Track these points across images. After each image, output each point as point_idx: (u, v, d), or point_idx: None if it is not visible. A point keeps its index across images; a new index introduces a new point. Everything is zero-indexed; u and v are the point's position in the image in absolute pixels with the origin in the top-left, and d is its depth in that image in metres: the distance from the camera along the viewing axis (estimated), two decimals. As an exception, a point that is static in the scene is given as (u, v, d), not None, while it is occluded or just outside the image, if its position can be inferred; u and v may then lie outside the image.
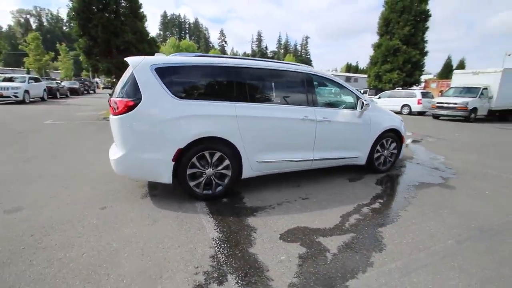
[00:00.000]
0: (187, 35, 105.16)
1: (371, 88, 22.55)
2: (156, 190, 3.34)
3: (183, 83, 3.08)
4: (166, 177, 2.91)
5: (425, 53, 21.38)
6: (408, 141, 4.96)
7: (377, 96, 17.38)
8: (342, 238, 2.41)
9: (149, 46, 11.82)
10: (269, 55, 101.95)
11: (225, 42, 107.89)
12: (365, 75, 27.57)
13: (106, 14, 10.66)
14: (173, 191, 3.27)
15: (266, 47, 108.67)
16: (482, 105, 12.92)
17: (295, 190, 3.52)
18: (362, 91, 19.57)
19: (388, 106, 13.31)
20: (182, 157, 2.89)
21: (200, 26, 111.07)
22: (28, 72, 32.01)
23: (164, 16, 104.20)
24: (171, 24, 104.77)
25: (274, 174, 3.63)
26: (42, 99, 16.42)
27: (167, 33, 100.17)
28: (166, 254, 2.10)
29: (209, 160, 3.02)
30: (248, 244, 2.28)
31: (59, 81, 23.71)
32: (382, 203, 3.24)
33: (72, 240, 2.24)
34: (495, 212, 3.07)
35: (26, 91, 14.21)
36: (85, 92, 27.18)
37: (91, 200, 3.02)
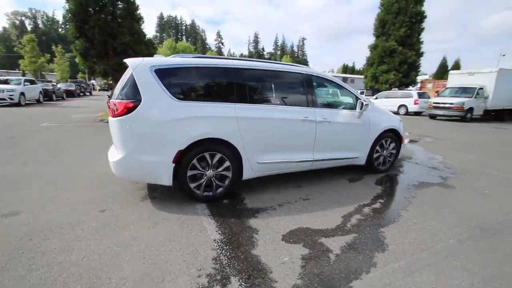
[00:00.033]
0: (184, 36, 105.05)
1: (368, 88, 22.70)
2: (155, 192, 3.32)
3: (183, 84, 3.07)
4: (166, 179, 2.89)
5: (421, 54, 21.58)
6: (405, 141, 5.00)
7: (374, 97, 17.48)
8: (345, 239, 2.40)
9: (146, 48, 11.79)
10: (265, 56, 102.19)
11: (222, 43, 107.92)
12: (362, 76, 27.72)
13: (103, 16, 10.61)
14: (173, 193, 3.25)
15: (263, 49, 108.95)
16: (478, 105, 13.05)
17: (296, 191, 3.51)
18: (359, 91, 19.63)
19: (385, 107, 13.25)
20: (182, 159, 2.87)
21: (197, 27, 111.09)
22: (23, 74, 31.75)
23: (161, 17, 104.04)
24: (168, 26, 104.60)
25: (274, 175, 3.62)
26: (38, 102, 16.28)
27: (163, 34, 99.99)
28: (168, 257, 2.07)
29: (210, 162, 3.00)
30: (251, 245, 2.26)
31: (55, 83, 23.53)
32: (382, 203, 3.24)
33: (72, 244, 2.21)
34: (494, 211, 3.09)
35: (22, 94, 14.10)
36: (81, 94, 27.02)
37: (90, 203, 2.99)
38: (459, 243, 2.40)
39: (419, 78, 25.79)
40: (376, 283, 1.85)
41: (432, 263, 2.10)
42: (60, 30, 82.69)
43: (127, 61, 2.92)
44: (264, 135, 3.23)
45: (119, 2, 11.29)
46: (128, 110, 2.72)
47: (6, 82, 14.77)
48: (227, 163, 3.07)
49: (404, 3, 20.12)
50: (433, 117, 14.04)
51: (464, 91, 13.44)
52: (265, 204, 3.09)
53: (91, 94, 30.02)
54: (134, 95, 2.75)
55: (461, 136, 8.76)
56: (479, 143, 7.64)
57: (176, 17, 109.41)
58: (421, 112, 15.72)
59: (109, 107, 2.94)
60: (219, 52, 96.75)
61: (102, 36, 10.39)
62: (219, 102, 3.05)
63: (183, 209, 2.90)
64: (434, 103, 13.76)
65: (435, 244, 2.36)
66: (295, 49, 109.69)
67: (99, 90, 39.47)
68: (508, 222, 2.84)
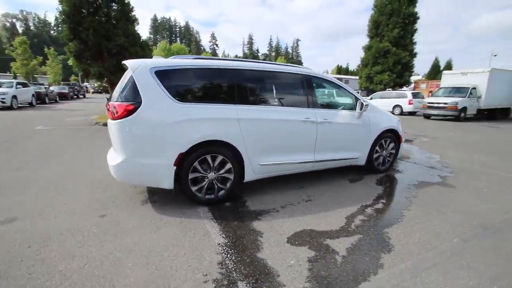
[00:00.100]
0: (178, 38, 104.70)
1: (363, 89, 22.88)
2: (155, 196, 3.27)
3: (184, 86, 3.03)
4: (167, 183, 2.84)
5: (414, 55, 21.82)
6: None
7: (369, 97, 17.61)
8: (350, 240, 2.39)
9: (141, 50, 11.67)
10: (260, 57, 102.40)
11: (217, 45, 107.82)
12: (356, 77, 27.96)
13: (97, 18, 10.47)
14: (174, 196, 3.20)
15: (257, 50, 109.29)
16: (471, 104, 13.25)
17: (297, 192, 3.49)
18: (354, 92, 19.75)
19: (380, 107, 13.49)
20: (183, 162, 2.83)
21: (191, 29, 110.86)
22: (14, 77, 31.17)
23: (155, 19, 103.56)
24: (162, 28, 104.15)
25: (275, 177, 3.60)
26: (31, 105, 15.99)
27: (157, 36, 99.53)
28: (173, 262, 2.03)
29: (211, 164, 2.96)
30: (256, 249, 2.23)
31: (47, 86, 23.15)
32: (384, 203, 3.24)
33: (72, 251, 2.15)
34: (494, 209, 3.11)
35: (14, 97, 13.83)
36: (75, 96, 26.67)
37: (89, 208, 2.92)
38: (463, 242, 2.41)
39: (412, 79, 26.08)
40: (384, 285, 1.84)
41: (438, 262, 2.10)
42: (52, 32, 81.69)
43: (127, 62, 2.87)
44: (266, 136, 3.21)
45: (114, 4, 11.17)
46: (128, 113, 2.67)
47: (-3, 85, 14.47)
48: (228, 165, 3.03)
49: (397, 4, 20.35)
50: (427, 116, 14.21)
51: (457, 91, 13.64)
52: (268, 206, 3.07)
53: (84, 97, 29.64)
54: (134, 97, 2.71)
55: (456, 135, 8.87)
56: (474, 142, 7.74)
57: (170, 18, 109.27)
58: (415, 112, 15.90)
59: (108, 110, 2.89)
60: (214, 54, 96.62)
61: (97, 38, 10.25)
62: (220, 103, 3.02)
63: (185, 212, 2.86)
64: (429, 103, 13.94)
65: (439, 243, 2.36)
66: (290, 50, 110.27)
67: (93, 92, 39.06)
68: (508, 221, 2.86)
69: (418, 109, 15.33)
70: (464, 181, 4.12)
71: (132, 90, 2.72)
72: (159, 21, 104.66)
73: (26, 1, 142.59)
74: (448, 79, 15.19)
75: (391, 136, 4.34)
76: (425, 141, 7.58)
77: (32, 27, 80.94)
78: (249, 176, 3.20)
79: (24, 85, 16.05)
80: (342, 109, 4.01)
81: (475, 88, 13.37)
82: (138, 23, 12.09)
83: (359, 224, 2.68)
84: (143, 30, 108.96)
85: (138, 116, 2.67)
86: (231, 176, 3.08)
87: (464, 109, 12.97)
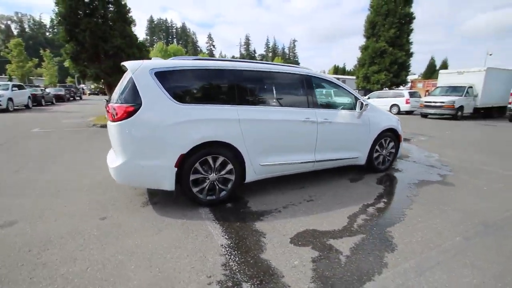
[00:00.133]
0: (175, 39, 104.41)
1: (360, 89, 22.97)
2: (156, 198, 3.24)
3: (184, 87, 3.02)
4: (168, 184, 2.82)
5: (411, 54, 21.99)
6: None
7: (366, 97, 17.68)
8: (353, 240, 2.39)
9: (138, 51, 11.62)
10: (257, 58, 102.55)
11: (213, 46, 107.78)
12: (353, 77, 28.11)
13: (94, 19, 10.41)
14: (175, 198, 3.18)
15: (254, 51, 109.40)
16: (468, 103, 13.35)
17: (299, 192, 3.49)
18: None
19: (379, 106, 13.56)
20: (184, 163, 2.81)
21: (188, 30, 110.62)
22: (10, 79, 30.87)
23: (151, 20, 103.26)
24: (158, 29, 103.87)
25: (275, 177, 3.59)
26: (27, 107, 15.88)
27: (154, 37, 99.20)
28: (176, 265, 2.01)
29: (212, 165, 2.95)
30: (259, 249, 2.22)
31: (43, 88, 22.99)
32: (386, 202, 3.25)
33: (73, 254, 2.13)
34: (494, 207, 3.13)
35: (10, 99, 13.73)
36: (71, 98, 26.52)
37: (90, 210, 2.89)
38: (465, 240, 2.41)
39: (409, 78, 26.25)
40: (389, 284, 1.83)
41: (441, 261, 2.10)
42: (47, 34, 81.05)
43: (126, 64, 2.85)
44: (267, 137, 3.20)
45: (110, 5, 11.11)
46: (128, 114, 2.65)
47: (-7, 87, 14.33)
48: (229, 166, 3.02)
49: (393, 4, 20.51)
50: (424, 115, 14.30)
51: (454, 90, 13.74)
52: (270, 206, 3.06)
53: (81, 99, 29.50)
54: (134, 99, 2.69)
55: (454, 134, 8.93)
56: (472, 140, 7.79)
57: (166, 20, 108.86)
58: (412, 111, 15.98)
59: (107, 112, 2.87)
60: (211, 54, 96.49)
61: (93, 40, 10.19)
62: (221, 104, 3.01)
63: (186, 214, 2.84)
64: (426, 102, 14.03)
65: (442, 242, 2.37)
66: (286, 51, 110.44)
67: (89, 94, 38.86)
68: (508, 219, 2.87)
69: (415, 108, 15.41)
70: (463, 179, 4.14)
71: (132, 92, 2.70)
72: (155, 22, 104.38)
73: (21, 3, 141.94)
74: (444, 78, 15.30)
75: (391, 135, 4.35)
76: (423, 140, 7.61)
77: (27, 29, 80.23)
78: (250, 176, 3.19)
79: (20, 87, 15.94)
80: (342, 109, 4.01)
81: (471, 87, 13.48)
82: (135, 25, 12.04)
83: (361, 224, 2.68)
84: (140, 32, 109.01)
85: (138, 117, 2.65)
86: (232, 177, 3.07)
87: (461, 108, 13.06)
